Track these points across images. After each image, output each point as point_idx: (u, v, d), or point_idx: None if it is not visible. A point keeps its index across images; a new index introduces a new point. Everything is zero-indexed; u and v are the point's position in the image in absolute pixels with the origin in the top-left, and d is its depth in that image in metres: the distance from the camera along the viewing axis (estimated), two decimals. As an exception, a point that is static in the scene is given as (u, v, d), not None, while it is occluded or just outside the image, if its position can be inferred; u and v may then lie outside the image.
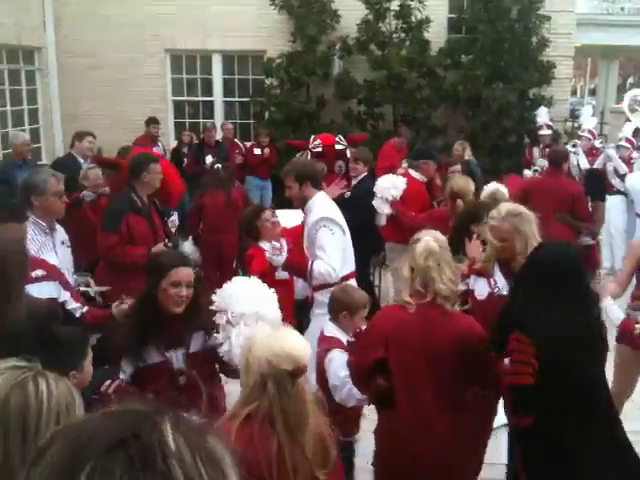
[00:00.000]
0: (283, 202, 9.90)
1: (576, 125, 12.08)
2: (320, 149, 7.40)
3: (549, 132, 10.22)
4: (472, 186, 5.63)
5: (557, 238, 6.88)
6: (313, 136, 7.86)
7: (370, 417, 3.61)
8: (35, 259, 3.57)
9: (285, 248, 4.65)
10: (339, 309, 3.72)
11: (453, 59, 10.89)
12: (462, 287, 3.83)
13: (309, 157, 7.24)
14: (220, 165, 7.57)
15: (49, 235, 4.20)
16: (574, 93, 25.24)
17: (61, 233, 4.37)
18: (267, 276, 4.79)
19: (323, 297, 4.60)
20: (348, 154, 7.29)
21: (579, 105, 18.14)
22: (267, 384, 2.10)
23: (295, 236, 4.89)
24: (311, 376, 4.32)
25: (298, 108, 10.95)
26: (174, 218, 6.58)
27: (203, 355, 3.14)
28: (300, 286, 4.89)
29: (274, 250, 4.60)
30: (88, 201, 6.08)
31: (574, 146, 9.57)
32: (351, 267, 4.76)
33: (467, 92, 10.69)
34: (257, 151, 10.06)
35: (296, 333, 2.36)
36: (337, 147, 7.58)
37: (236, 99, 12.25)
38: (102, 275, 4.94)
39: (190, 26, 11.55)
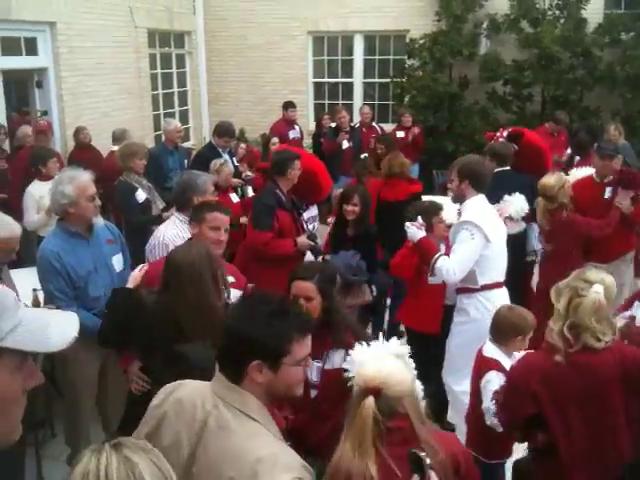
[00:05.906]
0: (429, 189, 9.76)
1: None
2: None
3: None
4: (553, 181, 5.31)
5: None
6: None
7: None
8: (231, 266, 3.86)
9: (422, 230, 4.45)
10: (514, 333, 3.48)
11: (612, 37, 10.12)
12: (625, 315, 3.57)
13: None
14: (366, 155, 7.49)
15: None
16: None
17: None
18: (420, 277, 4.65)
19: (463, 304, 4.44)
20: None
21: None
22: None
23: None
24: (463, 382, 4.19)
25: (440, 92, 10.66)
26: (315, 214, 6.57)
27: (340, 374, 2.88)
28: (451, 292, 4.68)
29: (415, 223, 4.45)
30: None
31: None
32: (497, 277, 4.44)
33: (625, 72, 9.95)
34: (400, 134, 9.64)
35: (390, 357, 2.33)
36: None
37: (376, 80, 12.12)
38: (243, 268, 5.09)
39: (332, 7, 11.55)
